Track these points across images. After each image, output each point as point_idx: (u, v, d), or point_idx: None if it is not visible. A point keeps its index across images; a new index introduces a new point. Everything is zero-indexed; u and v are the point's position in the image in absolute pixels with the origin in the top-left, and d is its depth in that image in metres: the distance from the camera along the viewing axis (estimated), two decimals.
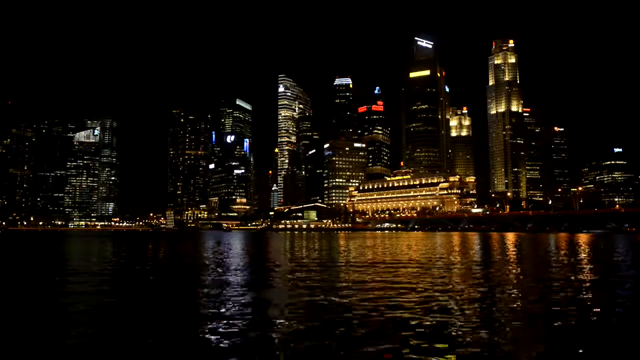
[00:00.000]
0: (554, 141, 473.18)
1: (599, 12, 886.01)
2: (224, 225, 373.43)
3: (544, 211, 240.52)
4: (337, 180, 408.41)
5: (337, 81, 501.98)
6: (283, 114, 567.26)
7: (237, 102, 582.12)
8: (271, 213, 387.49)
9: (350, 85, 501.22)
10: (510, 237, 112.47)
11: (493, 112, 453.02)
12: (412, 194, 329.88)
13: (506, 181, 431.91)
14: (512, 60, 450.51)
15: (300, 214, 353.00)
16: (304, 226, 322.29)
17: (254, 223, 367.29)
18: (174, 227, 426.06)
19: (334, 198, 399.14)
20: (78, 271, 29.28)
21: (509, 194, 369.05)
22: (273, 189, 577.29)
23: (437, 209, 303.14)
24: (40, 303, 17.39)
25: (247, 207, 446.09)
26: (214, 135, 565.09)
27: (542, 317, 14.59)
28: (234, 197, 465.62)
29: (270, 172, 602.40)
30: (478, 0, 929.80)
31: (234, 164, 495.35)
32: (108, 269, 31.15)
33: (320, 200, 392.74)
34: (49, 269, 31.67)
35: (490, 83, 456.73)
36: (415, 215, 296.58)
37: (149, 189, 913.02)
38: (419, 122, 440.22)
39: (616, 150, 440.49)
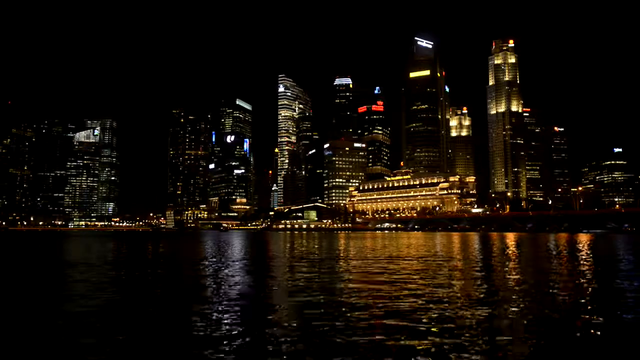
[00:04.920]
0: (554, 141, 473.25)
1: (599, 12, 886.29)
2: (223, 225, 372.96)
3: (544, 211, 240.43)
4: (337, 180, 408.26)
5: (337, 81, 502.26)
6: (283, 114, 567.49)
7: (237, 102, 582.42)
8: (271, 213, 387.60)
9: (350, 85, 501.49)
10: (510, 237, 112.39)
11: (493, 112, 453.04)
12: (412, 194, 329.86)
13: (506, 181, 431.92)
14: (512, 60, 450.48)
15: (300, 214, 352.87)
16: (304, 226, 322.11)
17: (254, 223, 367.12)
18: (174, 227, 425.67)
19: (334, 198, 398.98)
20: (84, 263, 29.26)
21: (509, 194, 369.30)
22: (273, 189, 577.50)
23: (437, 209, 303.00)
24: (41, 300, 17.35)
25: (247, 207, 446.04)
26: (214, 135, 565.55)
27: (540, 316, 14.53)
28: (234, 197, 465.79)
29: (270, 172, 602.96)
30: (478, 0, 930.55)
31: (234, 164, 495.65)
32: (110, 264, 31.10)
33: (320, 200, 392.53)
34: (51, 265, 31.64)
35: (490, 83, 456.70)
36: (415, 215, 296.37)
37: (149, 189, 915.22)
38: (419, 122, 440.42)
39: (616, 150, 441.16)
